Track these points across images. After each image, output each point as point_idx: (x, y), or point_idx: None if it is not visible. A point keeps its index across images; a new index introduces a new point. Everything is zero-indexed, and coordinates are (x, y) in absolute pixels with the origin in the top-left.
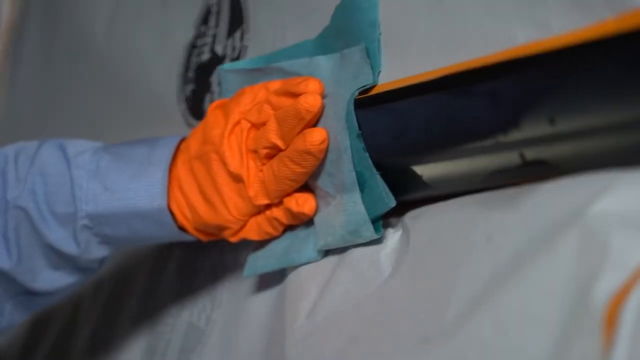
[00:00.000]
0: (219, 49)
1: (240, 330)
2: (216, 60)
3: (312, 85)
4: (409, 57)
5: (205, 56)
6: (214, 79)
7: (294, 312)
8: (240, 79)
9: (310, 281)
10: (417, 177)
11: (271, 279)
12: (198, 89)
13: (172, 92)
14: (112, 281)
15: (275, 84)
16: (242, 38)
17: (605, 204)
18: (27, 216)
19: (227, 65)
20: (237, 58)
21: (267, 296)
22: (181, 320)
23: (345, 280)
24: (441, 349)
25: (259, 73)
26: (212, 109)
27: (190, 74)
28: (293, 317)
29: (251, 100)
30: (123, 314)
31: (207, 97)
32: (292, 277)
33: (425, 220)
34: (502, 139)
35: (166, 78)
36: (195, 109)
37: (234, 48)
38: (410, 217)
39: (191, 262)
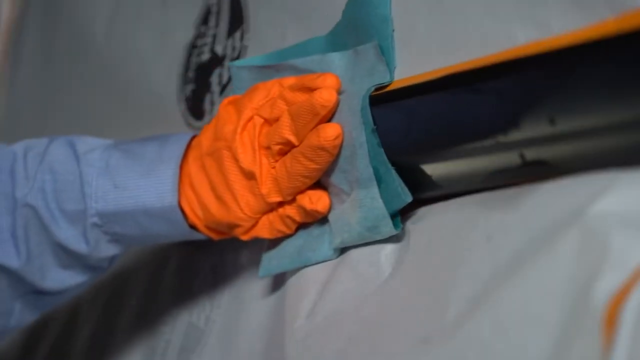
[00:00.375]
0: (219, 49)
1: (240, 330)
2: (216, 60)
3: (330, 81)
4: (409, 57)
5: (205, 56)
6: (213, 79)
7: (294, 312)
8: (252, 76)
9: (310, 281)
10: (425, 176)
11: (271, 279)
12: (198, 89)
13: (172, 92)
14: (112, 281)
15: (290, 80)
16: (242, 38)
17: (605, 204)
18: (36, 214)
19: (238, 61)
20: (237, 58)
21: (267, 296)
22: (181, 320)
23: (345, 280)
24: (441, 349)
25: (271, 70)
26: (224, 105)
27: (190, 74)
28: (293, 317)
29: (264, 96)
30: (123, 314)
31: (207, 97)
32: (292, 278)
33: (425, 221)
34: (502, 139)
35: (166, 78)
36: (195, 109)
37: (234, 48)
38: (410, 217)
39: (191, 262)
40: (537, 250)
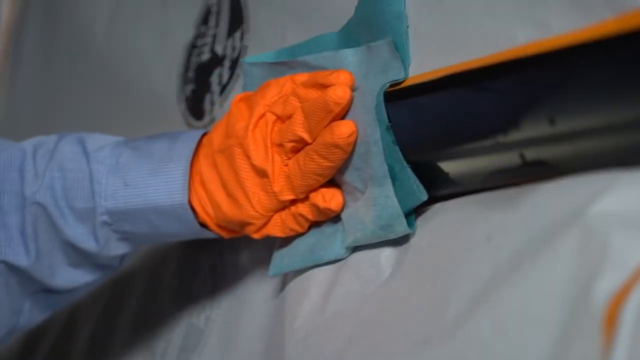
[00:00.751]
0: (219, 49)
1: (240, 330)
2: (216, 60)
3: (343, 77)
4: (409, 57)
5: (205, 56)
6: (213, 79)
7: (294, 312)
8: (263, 73)
9: (311, 282)
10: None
11: (271, 279)
12: (198, 89)
13: (172, 92)
14: (112, 281)
15: (303, 76)
16: (242, 38)
17: (605, 204)
18: (45, 212)
19: (250, 58)
20: (237, 58)
21: (267, 296)
22: (181, 320)
23: (346, 280)
24: (441, 349)
25: (283, 67)
26: (235, 102)
27: (190, 74)
28: (293, 317)
29: (277, 93)
30: (123, 314)
31: (207, 97)
32: (292, 278)
33: (425, 221)
34: (502, 139)
35: (166, 78)
36: (195, 109)
37: (234, 48)
38: None
39: (191, 262)
40: (537, 250)
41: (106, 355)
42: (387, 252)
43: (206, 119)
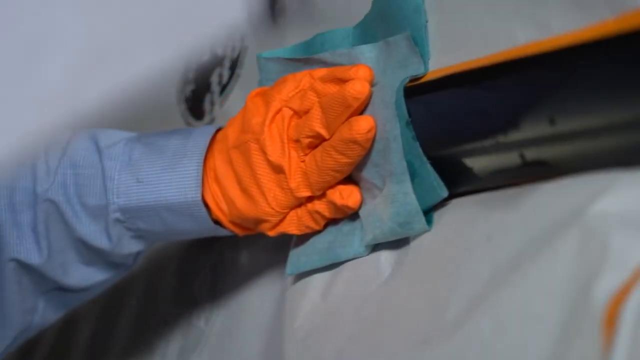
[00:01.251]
0: (219, 49)
1: (240, 330)
2: (216, 60)
3: (362, 72)
4: None
5: (205, 56)
6: (213, 79)
7: (294, 312)
8: (280, 68)
9: (311, 282)
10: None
11: (271, 279)
12: (198, 89)
13: (172, 92)
14: None
15: (321, 71)
16: (242, 38)
17: (605, 204)
18: (57, 209)
19: (266, 53)
20: (237, 58)
21: (267, 296)
22: (181, 320)
23: (345, 280)
24: (441, 349)
25: (299, 63)
26: (251, 97)
27: (190, 74)
28: (293, 317)
29: (294, 88)
30: (123, 314)
31: (207, 97)
32: (292, 278)
33: None
34: (502, 139)
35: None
36: (195, 109)
37: (233, 48)
38: None
39: (191, 262)
40: (537, 250)
41: (106, 355)
42: (386, 252)
43: (206, 119)
